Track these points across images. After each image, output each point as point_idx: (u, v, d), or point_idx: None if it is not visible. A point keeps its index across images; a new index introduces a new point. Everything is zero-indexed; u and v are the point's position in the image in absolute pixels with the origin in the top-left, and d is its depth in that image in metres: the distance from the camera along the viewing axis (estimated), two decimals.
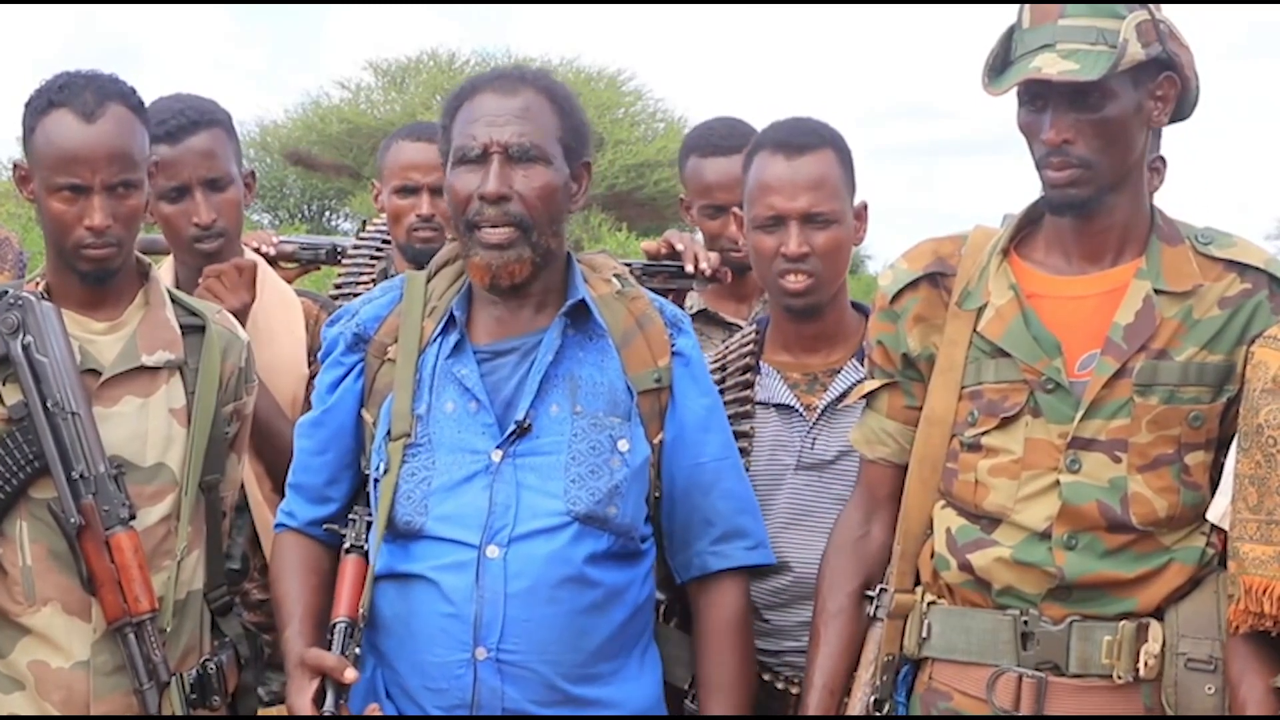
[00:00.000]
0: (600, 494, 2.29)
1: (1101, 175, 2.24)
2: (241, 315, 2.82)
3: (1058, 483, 2.26)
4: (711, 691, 2.42)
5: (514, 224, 2.30)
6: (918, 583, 2.40)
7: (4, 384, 2.40)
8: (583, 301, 2.37)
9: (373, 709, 2.29)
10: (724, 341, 2.93)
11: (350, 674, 2.24)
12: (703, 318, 3.29)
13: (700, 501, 2.42)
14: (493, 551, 2.26)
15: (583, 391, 2.34)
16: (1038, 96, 2.24)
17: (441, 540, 2.29)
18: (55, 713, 2.39)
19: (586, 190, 2.43)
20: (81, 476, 2.36)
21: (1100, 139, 2.22)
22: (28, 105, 2.43)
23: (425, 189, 3.25)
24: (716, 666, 2.43)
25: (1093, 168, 2.23)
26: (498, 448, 2.30)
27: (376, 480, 2.36)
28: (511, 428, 2.30)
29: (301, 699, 2.25)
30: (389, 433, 2.35)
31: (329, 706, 2.24)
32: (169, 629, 2.42)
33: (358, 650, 2.29)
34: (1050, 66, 2.18)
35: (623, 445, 2.33)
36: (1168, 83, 2.26)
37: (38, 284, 2.47)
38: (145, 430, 2.45)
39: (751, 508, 2.49)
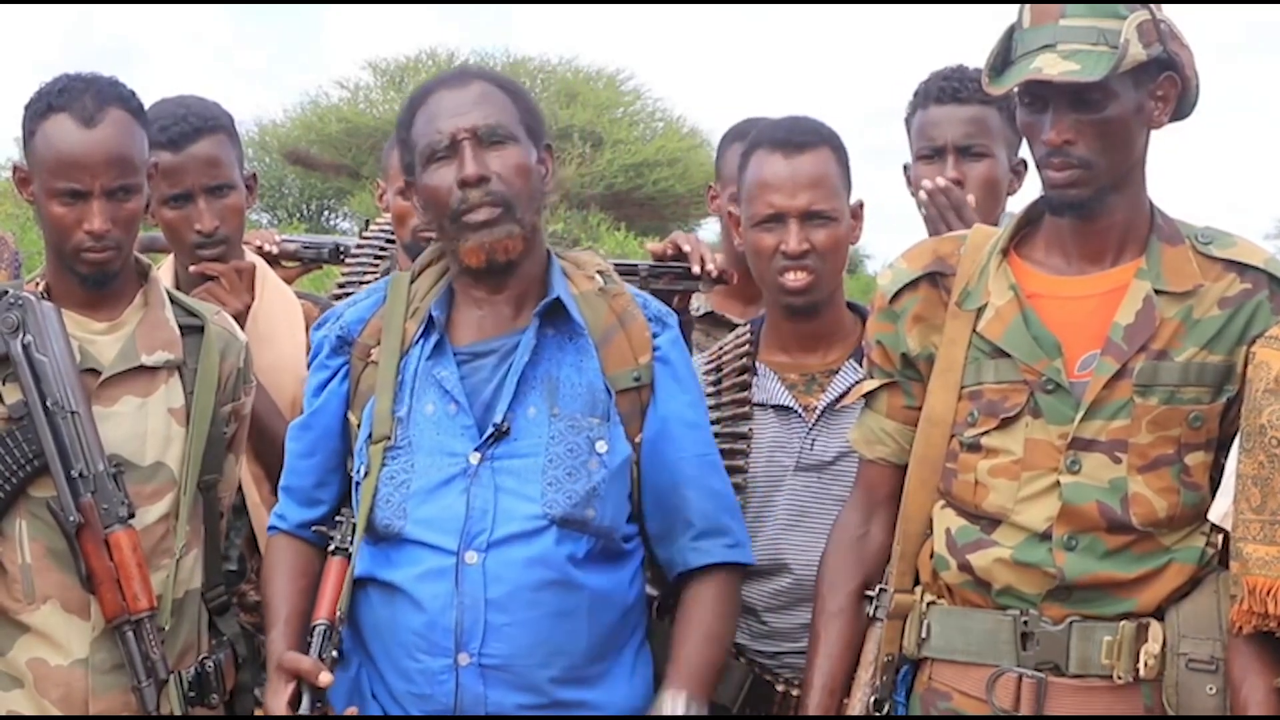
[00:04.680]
0: (578, 496, 2.29)
1: (1102, 176, 2.24)
2: (241, 317, 2.83)
3: (1058, 483, 2.25)
4: (671, 666, 2.35)
5: (497, 203, 2.30)
6: (917, 583, 2.40)
7: (4, 383, 2.40)
8: (560, 301, 2.36)
9: (351, 712, 2.29)
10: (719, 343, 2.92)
11: (325, 677, 2.23)
12: (709, 320, 3.28)
13: (681, 499, 2.41)
14: (471, 557, 2.26)
15: (561, 393, 2.33)
16: (1038, 97, 2.24)
17: (420, 545, 2.29)
18: (54, 710, 2.40)
19: (554, 173, 2.44)
20: (81, 475, 2.37)
21: (1101, 140, 2.22)
22: (28, 108, 2.43)
23: None
24: (680, 643, 2.37)
25: (1093, 168, 2.23)
26: (475, 450, 2.30)
27: (358, 483, 2.36)
28: (489, 430, 2.30)
29: (277, 701, 2.25)
30: (370, 435, 2.35)
31: (304, 709, 2.23)
32: (167, 627, 2.42)
33: (335, 653, 2.28)
34: (1051, 67, 2.18)
35: (601, 447, 2.32)
36: (1168, 83, 2.26)
37: (38, 284, 2.49)
38: (144, 430, 2.46)
39: (732, 507, 2.48)
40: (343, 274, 3.54)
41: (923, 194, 2.83)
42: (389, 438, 2.33)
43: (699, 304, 3.28)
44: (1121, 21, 2.18)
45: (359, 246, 3.56)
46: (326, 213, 22.14)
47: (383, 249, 3.50)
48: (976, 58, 2.38)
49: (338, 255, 3.60)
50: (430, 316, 2.37)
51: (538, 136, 2.39)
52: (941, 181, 2.82)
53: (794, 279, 2.64)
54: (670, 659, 2.39)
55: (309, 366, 2.49)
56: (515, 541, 2.26)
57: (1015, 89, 2.26)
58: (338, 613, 2.30)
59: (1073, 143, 2.22)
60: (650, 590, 2.51)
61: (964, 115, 2.89)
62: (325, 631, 2.28)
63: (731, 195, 3.27)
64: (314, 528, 2.44)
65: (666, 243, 3.21)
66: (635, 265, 3.11)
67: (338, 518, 2.40)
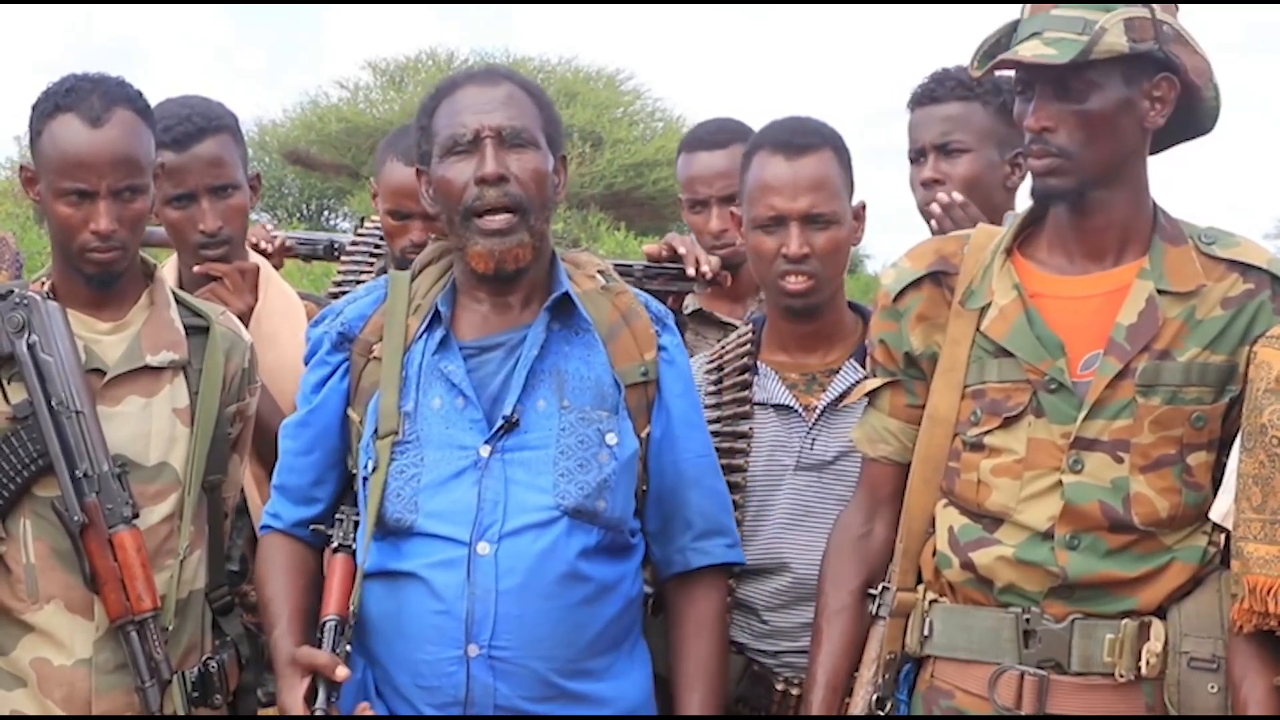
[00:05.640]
0: (589, 488, 2.30)
1: (1083, 168, 2.24)
2: (245, 318, 2.82)
3: (1060, 483, 2.25)
4: (689, 688, 2.43)
5: (513, 207, 2.32)
6: (919, 581, 2.40)
7: (9, 382, 2.41)
8: (567, 296, 2.38)
9: (363, 708, 2.29)
10: (720, 342, 2.93)
11: (342, 671, 2.23)
12: (698, 318, 3.30)
13: (684, 498, 2.45)
14: (483, 548, 2.27)
15: (570, 386, 2.35)
16: (1028, 85, 2.25)
17: (432, 537, 2.29)
18: (57, 710, 2.40)
19: (566, 184, 2.46)
20: (85, 475, 2.37)
21: (1083, 131, 2.22)
22: (34, 108, 2.44)
23: (417, 217, 3.12)
24: (694, 662, 2.44)
25: (1072, 158, 2.23)
26: (486, 443, 2.31)
27: (365, 479, 2.36)
28: (499, 423, 2.31)
29: (293, 697, 2.25)
30: (376, 430, 2.35)
31: (320, 704, 2.23)
32: (171, 627, 2.43)
33: (349, 648, 2.29)
34: (1028, 51, 2.19)
35: (611, 439, 2.34)
36: (1166, 84, 2.25)
37: (43, 284, 2.49)
38: (149, 430, 2.46)
39: (729, 507, 2.53)
40: (339, 271, 3.53)
41: (935, 207, 2.87)
42: (396, 432, 2.33)
43: (687, 302, 3.31)
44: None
45: (353, 244, 3.55)
46: (326, 212, 22.14)
47: (377, 246, 3.49)
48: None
49: (332, 252, 3.59)
50: (436, 311, 2.38)
51: (556, 146, 2.41)
52: (959, 197, 2.86)
53: (794, 283, 2.64)
54: (683, 661, 2.44)
55: (306, 363, 2.49)
56: (527, 532, 2.27)
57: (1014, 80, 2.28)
58: (350, 608, 2.30)
59: (1052, 130, 2.23)
60: (646, 588, 2.52)
61: (939, 114, 2.95)
62: (337, 626, 2.29)
63: (689, 200, 3.30)
64: (310, 526, 2.45)
65: (661, 244, 3.23)
66: (630, 266, 3.13)
67: (338, 515, 2.41)
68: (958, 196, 2.86)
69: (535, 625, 2.27)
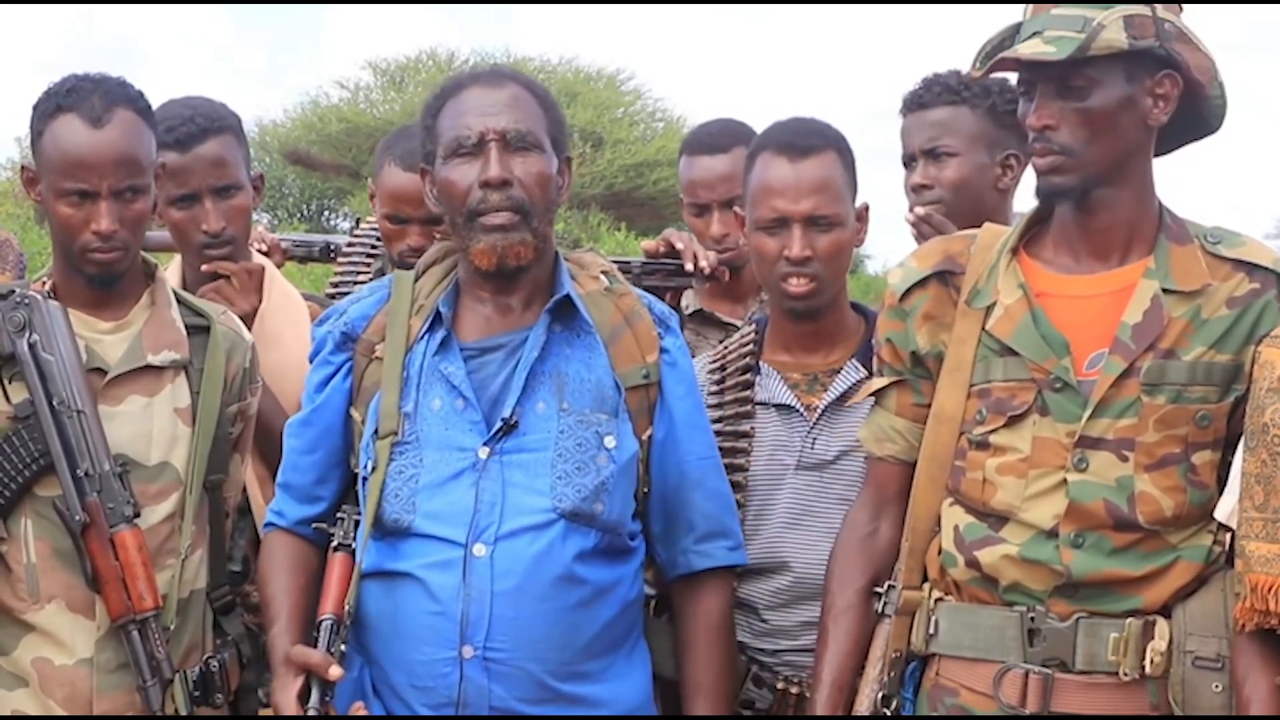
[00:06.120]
0: (587, 491, 2.30)
1: (1086, 165, 2.25)
2: (249, 319, 2.82)
3: (1065, 481, 2.26)
4: (696, 692, 2.44)
5: (515, 209, 2.32)
6: (925, 580, 2.40)
7: (10, 382, 2.41)
8: (569, 298, 2.38)
9: (357, 708, 2.29)
10: (721, 342, 2.93)
11: (335, 671, 2.24)
12: (699, 318, 3.30)
13: (687, 499, 2.45)
14: (479, 550, 2.27)
15: (570, 388, 2.35)
16: (1030, 85, 2.26)
17: (429, 538, 2.29)
18: (58, 710, 2.40)
19: (570, 185, 2.45)
20: (86, 474, 2.37)
21: (1085, 128, 2.23)
22: (36, 108, 2.44)
23: (415, 222, 3.12)
24: (701, 667, 2.44)
25: (1075, 156, 2.24)
26: (485, 445, 2.31)
27: (365, 479, 2.37)
28: (498, 425, 2.31)
29: (286, 696, 2.25)
30: (377, 431, 2.35)
31: (313, 703, 2.23)
32: (172, 627, 2.43)
33: (344, 647, 2.29)
34: (1028, 49, 2.20)
35: (609, 442, 2.33)
36: (1169, 81, 2.26)
37: (44, 283, 2.49)
38: (150, 429, 2.46)
39: (733, 508, 2.52)
40: (336, 273, 3.53)
41: (910, 217, 2.95)
42: (396, 433, 2.33)
43: (688, 302, 3.30)
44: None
45: (349, 245, 3.55)
46: (326, 213, 22.13)
47: (374, 247, 3.49)
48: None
49: (328, 253, 3.59)
50: (437, 312, 2.38)
51: (561, 148, 2.41)
52: (920, 211, 2.93)
53: (796, 285, 2.64)
54: (691, 668, 2.44)
55: (310, 363, 2.49)
56: (524, 535, 2.27)
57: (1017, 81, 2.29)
58: (345, 607, 2.30)
59: (1054, 128, 2.24)
60: (648, 589, 2.52)
61: (927, 120, 3.00)
62: (333, 626, 2.29)
63: (690, 204, 3.30)
64: (314, 525, 2.44)
65: (659, 240, 3.24)
66: (629, 262, 3.13)
67: (339, 514, 2.40)
68: (919, 210, 2.92)
69: (530, 627, 2.27)
